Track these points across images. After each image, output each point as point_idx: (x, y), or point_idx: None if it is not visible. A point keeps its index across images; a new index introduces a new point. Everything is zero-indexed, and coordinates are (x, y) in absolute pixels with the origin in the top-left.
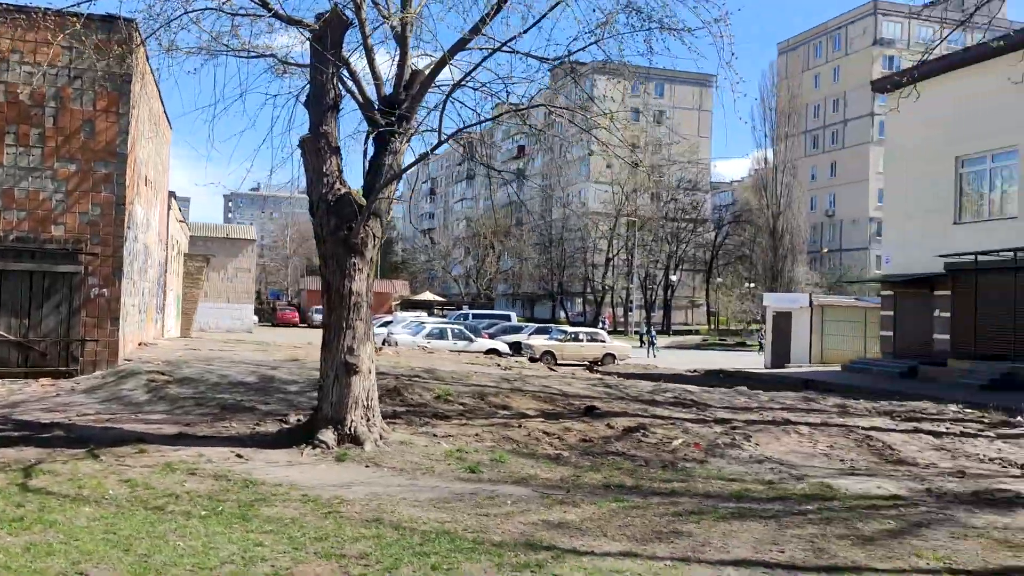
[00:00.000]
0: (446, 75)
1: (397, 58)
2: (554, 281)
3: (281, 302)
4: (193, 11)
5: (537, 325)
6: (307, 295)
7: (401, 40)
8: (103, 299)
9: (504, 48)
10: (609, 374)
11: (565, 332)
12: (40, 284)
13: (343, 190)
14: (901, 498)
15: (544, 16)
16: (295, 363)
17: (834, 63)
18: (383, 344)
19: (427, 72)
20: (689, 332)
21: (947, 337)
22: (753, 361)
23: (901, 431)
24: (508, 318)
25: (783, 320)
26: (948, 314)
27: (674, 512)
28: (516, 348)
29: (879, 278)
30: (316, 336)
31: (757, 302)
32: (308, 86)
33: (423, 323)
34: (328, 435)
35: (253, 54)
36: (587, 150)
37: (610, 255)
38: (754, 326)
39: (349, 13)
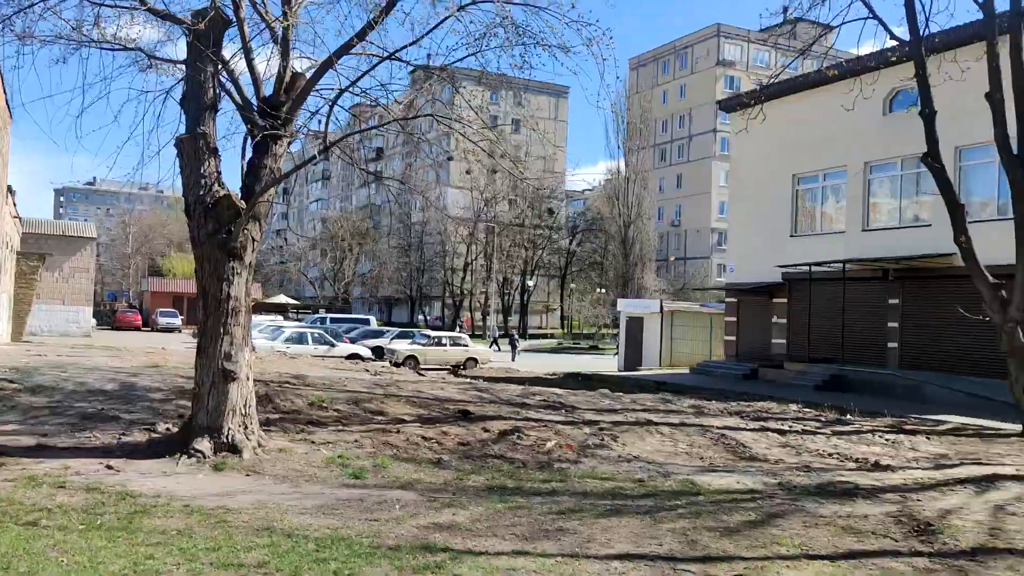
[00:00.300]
0: (329, 80)
1: (278, 60)
2: (413, 285)
3: (120, 304)
4: None
5: (399, 329)
6: (150, 297)
7: (282, 42)
8: None
9: (392, 57)
10: (476, 378)
11: (428, 336)
12: None
13: (222, 192)
14: (757, 492)
15: (436, 27)
16: (155, 369)
17: (681, 80)
18: None
19: (309, 76)
20: (544, 336)
21: (784, 341)
22: (607, 364)
23: (751, 430)
24: (367, 322)
25: (636, 325)
26: (785, 320)
27: (557, 511)
28: (378, 353)
29: (723, 286)
30: (164, 340)
31: (609, 307)
32: (183, 84)
33: (281, 327)
34: (204, 444)
35: (117, 47)
36: (446, 155)
37: (468, 260)
38: (605, 330)
39: (229, 12)
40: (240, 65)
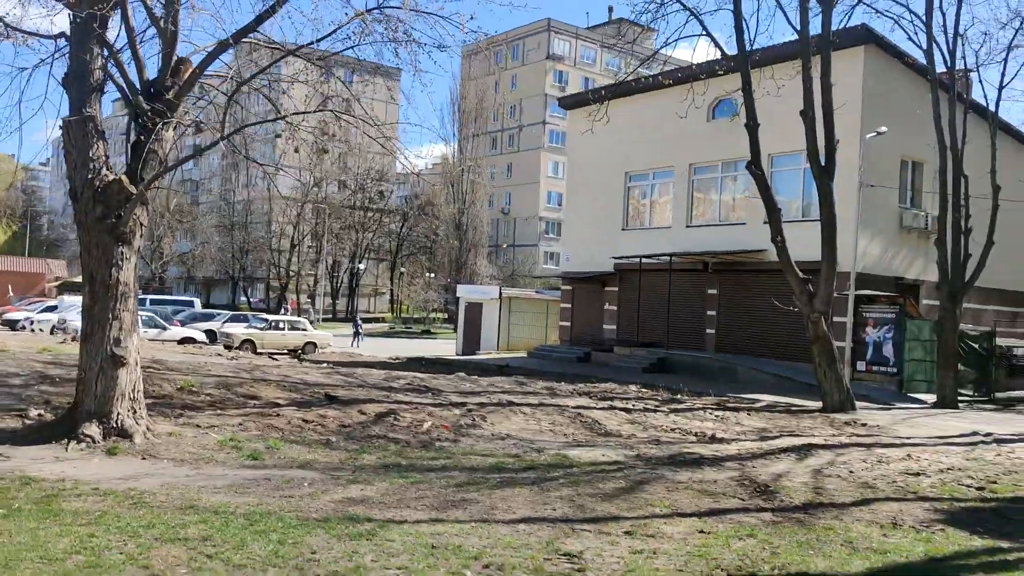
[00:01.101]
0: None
1: (162, 45)
2: (236, 265)
3: None
4: None
5: (231, 312)
6: None
7: (168, 26)
8: None
9: (293, 53)
10: (330, 364)
11: (266, 320)
12: None
13: (110, 176)
14: (621, 463)
15: (340, 28)
16: (3, 353)
17: (512, 71)
18: (55, 331)
19: (196, 65)
20: (375, 320)
21: (614, 327)
22: (445, 348)
23: (601, 409)
24: (191, 304)
25: (474, 310)
26: (615, 307)
27: (454, 484)
28: (211, 336)
29: (559, 274)
30: None
31: (440, 292)
32: (68, 63)
33: None
34: (93, 429)
35: None
36: (274, 133)
37: (295, 241)
38: (435, 315)
39: None
40: (124, 47)
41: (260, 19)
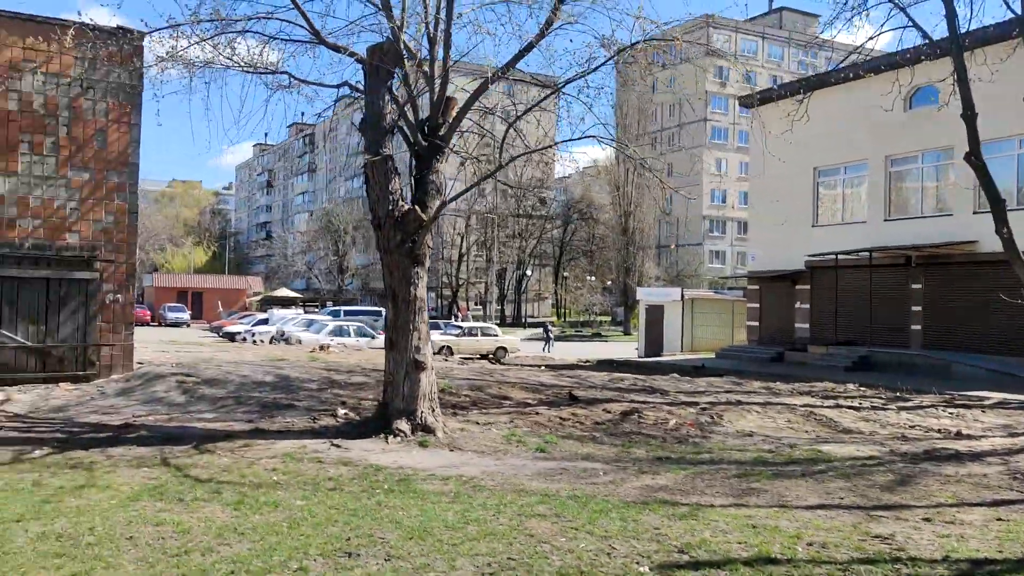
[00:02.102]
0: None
1: (430, 93)
2: None
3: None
4: (247, 32)
5: (435, 321)
6: (154, 292)
7: (442, 75)
8: (118, 305)
9: (559, 90)
10: (543, 367)
11: (460, 327)
12: (56, 291)
13: (406, 207)
14: (877, 458)
15: (606, 62)
16: (285, 362)
17: (671, 70)
18: (278, 341)
19: (462, 104)
20: (540, 324)
21: (807, 326)
22: (624, 350)
23: (828, 407)
24: (379, 314)
25: (656, 312)
26: (808, 305)
27: (733, 475)
28: None
29: (745, 273)
30: (176, 334)
31: (606, 295)
32: (363, 110)
33: (314, 321)
34: (404, 425)
35: (266, 71)
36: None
37: (463, 251)
38: (601, 317)
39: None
40: (401, 92)
41: (516, 58)
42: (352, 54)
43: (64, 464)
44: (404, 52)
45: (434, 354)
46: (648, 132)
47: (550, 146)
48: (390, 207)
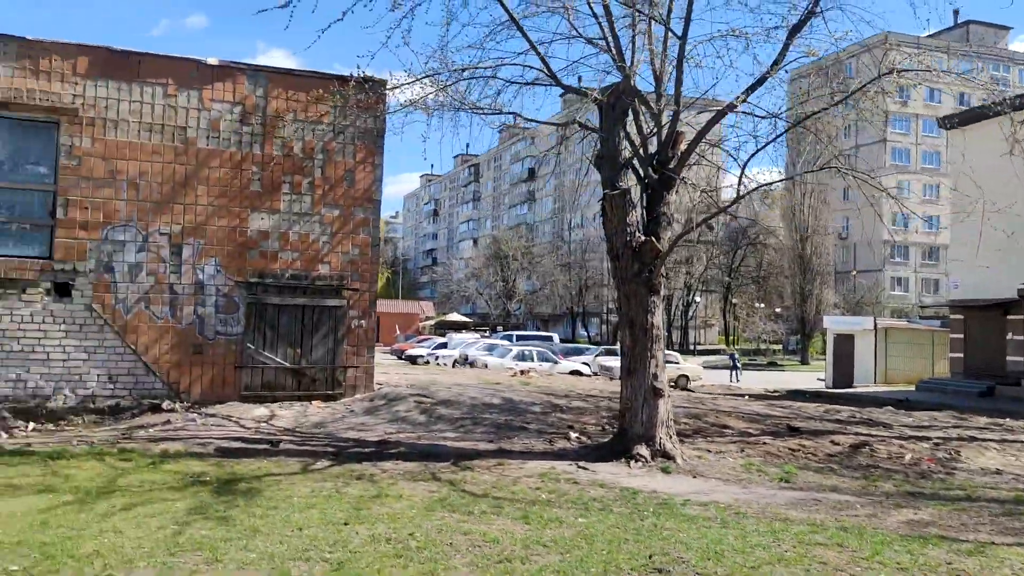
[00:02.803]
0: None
1: (657, 129)
2: (579, 302)
3: None
4: (491, 77)
5: (603, 347)
6: None
7: (674, 113)
8: (361, 330)
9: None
10: (760, 397)
11: None
12: (310, 317)
13: (643, 238)
14: None
15: (845, 98)
16: (500, 386)
17: (844, 91)
18: (461, 364)
19: (690, 139)
20: (710, 352)
21: (1021, 359)
22: (805, 380)
23: None
24: (551, 339)
25: (845, 342)
26: (1022, 337)
27: (1000, 514)
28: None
29: (947, 302)
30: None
31: (779, 323)
32: (598, 146)
33: (496, 345)
34: (643, 450)
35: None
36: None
37: None
38: (773, 346)
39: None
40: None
41: (750, 90)
42: (586, 93)
43: (347, 475)
44: (636, 91)
45: (613, 380)
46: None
47: (790, 177)
48: (627, 238)
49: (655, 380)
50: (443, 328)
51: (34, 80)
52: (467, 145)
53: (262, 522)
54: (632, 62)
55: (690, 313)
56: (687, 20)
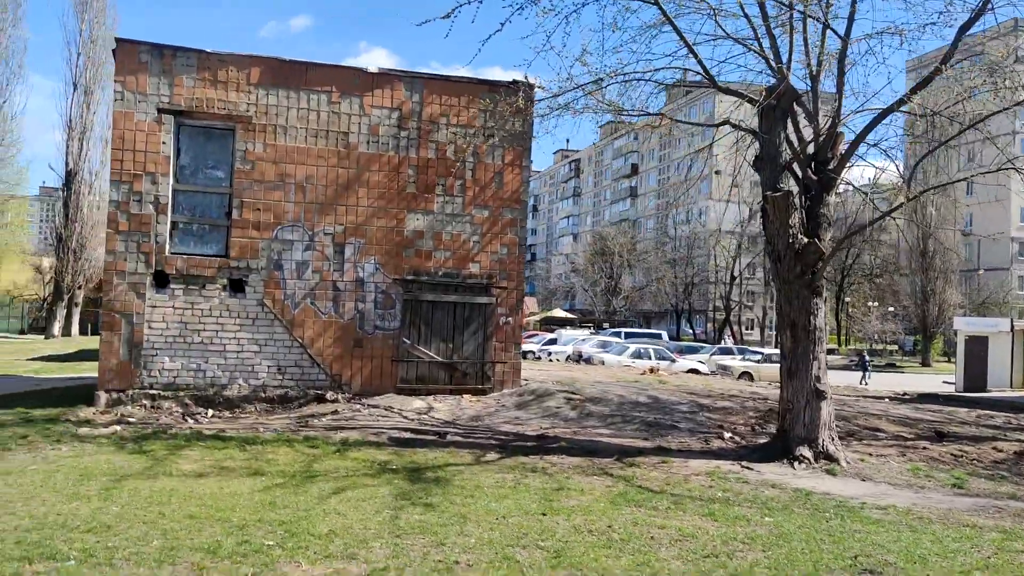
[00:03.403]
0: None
1: (815, 130)
2: (684, 298)
3: None
4: (651, 81)
5: (716, 346)
6: None
7: (835, 113)
8: (509, 327)
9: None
10: (903, 400)
11: (760, 353)
12: (462, 314)
13: (805, 240)
14: None
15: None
16: (638, 384)
17: (970, 81)
18: (575, 361)
19: (850, 140)
20: (857, 353)
21: None
22: (930, 383)
23: None
24: (659, 336)
25: (978, 344)
26: None
27: None
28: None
29: None
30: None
31: (898, 323)
32: (758, 148)
33: (609, 342)
34: (807, 452)
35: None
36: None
37: (735, 273)
38: (890, 347)
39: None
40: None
41: (916, 89)
42: (745, 95)
43: (520, 468)
44: (796, 92)
45: (734, 378)
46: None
47: (966, 178)
48: (790, 240)
49: (818, 382)
50: (549, 324)
51: (213, 90)
52: (567, 140)
53: (466, 510)
54: (789, 65)
55: None
56: (851, 19)
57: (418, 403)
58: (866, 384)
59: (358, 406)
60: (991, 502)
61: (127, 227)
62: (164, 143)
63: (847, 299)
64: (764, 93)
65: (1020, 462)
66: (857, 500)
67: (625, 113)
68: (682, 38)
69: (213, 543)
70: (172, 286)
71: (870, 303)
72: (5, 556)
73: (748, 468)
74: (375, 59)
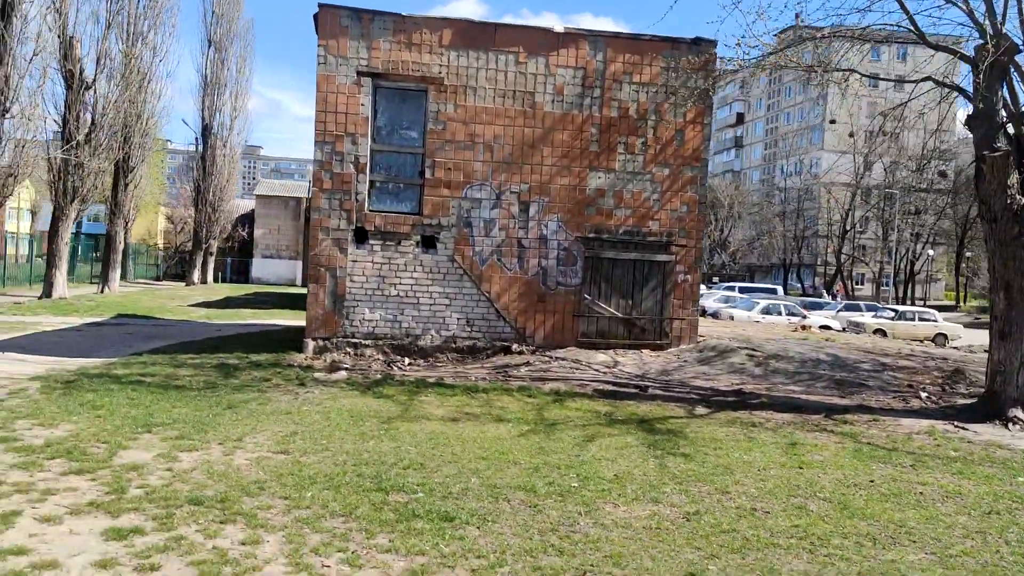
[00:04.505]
0: None
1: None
2: (794, 252)
3: None
4: (859, 38)
5: (844, 302)
6: None
7: None
8: (687, 284)
9: None
10: None
11: (894, 310)
12: (641, 271)
13: (1022, 200)
14: None
15: None
16: (808, 341)
17: None
18: (703, 315)
19: None
20: (943, 308)
21: None
22: None
23: None
24: (775, 291)
25: None
26: None
27: None
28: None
29: None
30: None
31: None
32: (972, 107)
33: (742, 298)
34: (1020, 413)
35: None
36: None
37: (847, 227)
38: None
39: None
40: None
41: None
42: (958, 53)
43: (738, 422)
44: (1017, 48)
45: (867, 335)
46: None
47: None
48: (1008, 201)
49: None
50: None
51: (407, 52)
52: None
53: (722, 461)
54: (1004, 18)
55: (916, 267)
56: None
57: (602, 356)
58: None
59: (546, 358)
60: None
61: (330, 186)
62: (363, 105)
63: (969, 253)
64: (981, 49)
65: None
66: None
67: (815, 68)
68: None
69: (526, 483)
70: (371, 242)
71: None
72: (366, 488)
73: (963, 428)
74: (463, 8)
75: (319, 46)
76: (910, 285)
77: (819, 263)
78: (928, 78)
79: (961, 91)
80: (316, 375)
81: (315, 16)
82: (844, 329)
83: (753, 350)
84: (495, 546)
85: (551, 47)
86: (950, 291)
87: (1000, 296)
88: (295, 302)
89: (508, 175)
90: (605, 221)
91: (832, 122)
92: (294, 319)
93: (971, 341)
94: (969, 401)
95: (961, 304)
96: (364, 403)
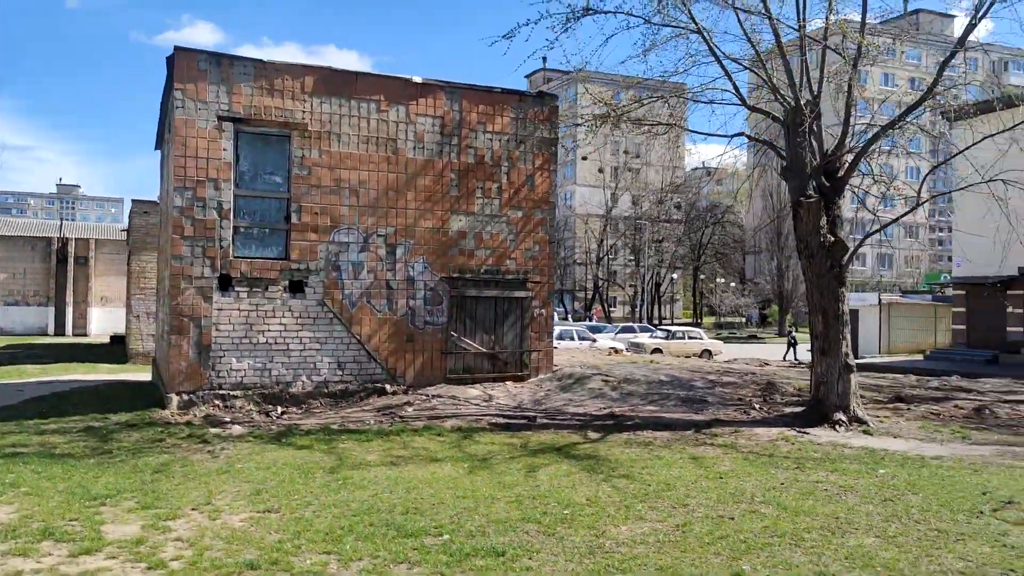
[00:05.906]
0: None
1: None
2: (557, 279)
3: None
4: (687, 98)
5: (621, 325)
6: None
7: (844, 126)
8: (542, 317)
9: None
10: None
11: (668, 331)
12: (501, 307)
13: (833, 239)
14: None
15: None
16: (648, 365)
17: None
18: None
19: (857, 150)
20: (688, 326)
21: (1020, 329)
22: (801, 354)
23: None
24: (564, 318)
25: (851, 317)
26: (1022, 310)
27: None
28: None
29: (951, 280)
30: None
31: (750, 298)
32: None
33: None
34: (842, 417)
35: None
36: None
37: (600, 255)
38: (737, 319)
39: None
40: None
41: (911, 109)
42: (772, 115)
43: (632, 443)
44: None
45: (647, 354)
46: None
47: (932, 196)
48: (821, 239)
49: (847, 358)
50: None
51: (270, 98)
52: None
53: (658, 478)
54: (800, 86)
55: (662, 290)
56: (858, 52)
57: (474, 391)
58: (796, 358)
59: (424, 396)
60: (997, 448)
61: (192, 232)
62: (225, 150)
63: (702, 276)
64: (791, 112)
65: (981, 415)
66: (913, 453)
67: (645, 123)
68: (720, 64)
69: (525, 515)
70: (237, 288)
71: (720, 279)
72: (392, 535)
73: (805, 432)
74: (199, 34)
75: (176, 90)
76: (656, 305)
77: (577, 288)
78: (741, 133)
79: (773, 147)
80: (212, 431)
81: (169, 59)
82: (626, 350)
83: (606, 376)
84: (562, 572)
85: (411, 96)
86: (687, 310)
87: (819, 319)
88: (73, 354)
89: (375, 219)
90: (467, 261)
91: (584, 159)
92: (97, 373)
93: (733, 355)
94: (798, 409)
95: (701, 321)
96: (292, 455)
